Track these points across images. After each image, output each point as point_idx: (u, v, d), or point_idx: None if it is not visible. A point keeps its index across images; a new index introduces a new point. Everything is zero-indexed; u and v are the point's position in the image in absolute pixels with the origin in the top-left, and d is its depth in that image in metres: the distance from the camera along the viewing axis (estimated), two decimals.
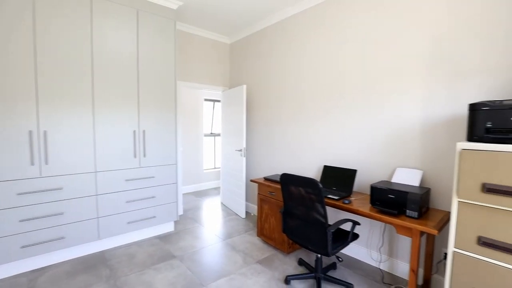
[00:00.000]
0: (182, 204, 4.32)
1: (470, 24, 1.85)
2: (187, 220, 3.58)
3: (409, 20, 2.15)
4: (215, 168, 5.80)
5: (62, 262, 2.46)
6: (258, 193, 2.91)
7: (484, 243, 1.37)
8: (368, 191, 2.46)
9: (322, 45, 2.81)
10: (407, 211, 1.75)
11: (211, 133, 5.85)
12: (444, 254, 2.02)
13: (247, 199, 4.02)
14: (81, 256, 2.57)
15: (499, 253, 1.34)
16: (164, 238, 3.00)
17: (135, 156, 2.80)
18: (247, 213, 3.91)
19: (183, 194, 5.03)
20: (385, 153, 2.33)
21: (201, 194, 5.06)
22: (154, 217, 2.98)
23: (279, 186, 2.63)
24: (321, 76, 2.84)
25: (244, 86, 3.55)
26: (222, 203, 4.43)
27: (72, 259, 2.51)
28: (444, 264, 2.05)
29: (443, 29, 1.97)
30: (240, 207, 3.73)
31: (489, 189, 1.33)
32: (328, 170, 2.61)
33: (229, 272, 2.31)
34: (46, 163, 2.29)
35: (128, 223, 2.79)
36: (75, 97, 2.41)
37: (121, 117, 2.69)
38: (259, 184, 2.88)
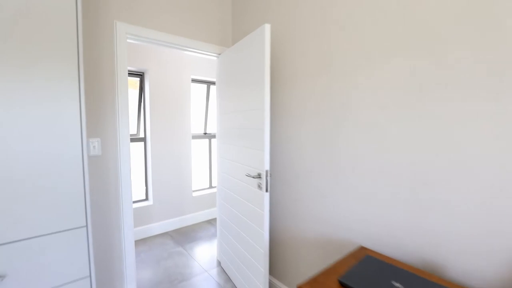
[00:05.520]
0: (135, 273, 2.30)
1: None
2: None
3: None
4: (210, 187, 3.77)
5: None
6: None
7: None
8: None
9: None
10: None
11: (205, 133, 3.82)
12: None
13: (271, 272, 2.00)
14: None
15: None
16: None
17: None
18: None
19: (151, 236, 3.01)
20: None
21: (187, 234, 3.05)
22: None
23: None
24: None
25: (267, 26, 1.51)
26: (219, 263, 2.42)
27: None
28: None
29: None
30: None
31: None
32: None
33: None
34: None
35: None
36: None
37: None
38: None
